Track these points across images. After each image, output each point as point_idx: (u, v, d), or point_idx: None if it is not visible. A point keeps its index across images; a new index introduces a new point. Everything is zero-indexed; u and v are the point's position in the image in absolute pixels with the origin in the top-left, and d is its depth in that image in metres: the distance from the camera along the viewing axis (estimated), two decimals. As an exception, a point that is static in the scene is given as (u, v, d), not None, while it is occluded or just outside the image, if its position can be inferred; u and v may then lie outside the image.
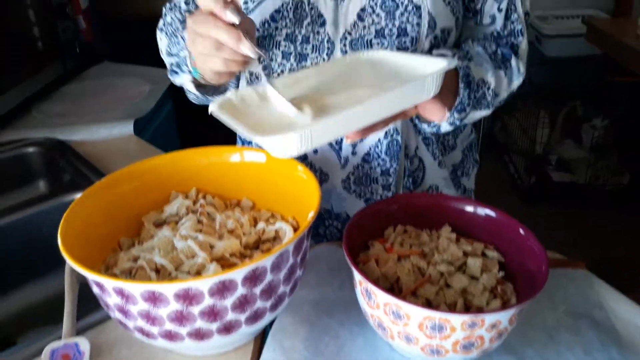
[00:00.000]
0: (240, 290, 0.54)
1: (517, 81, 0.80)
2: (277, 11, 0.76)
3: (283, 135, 0.50)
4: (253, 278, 0.55)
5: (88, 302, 0.72)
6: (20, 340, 0.94)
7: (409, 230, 0.72)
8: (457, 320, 0.53)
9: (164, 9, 0.90)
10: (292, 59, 0.78)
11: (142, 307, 0.54)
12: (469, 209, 0.72)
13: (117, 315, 0.57)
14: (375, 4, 0.73)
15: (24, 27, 1.34)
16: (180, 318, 0.54)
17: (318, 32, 0.77)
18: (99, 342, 0.67)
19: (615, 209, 2.51)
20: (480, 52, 0.76)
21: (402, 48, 0.74)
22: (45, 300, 1.06)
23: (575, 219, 2.49)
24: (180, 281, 0.51)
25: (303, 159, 0.84)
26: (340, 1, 0.75)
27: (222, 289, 0.53)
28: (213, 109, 0.57)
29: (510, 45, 0.81)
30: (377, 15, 0.74)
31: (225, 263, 0.63)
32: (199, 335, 0.56)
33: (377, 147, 0.80)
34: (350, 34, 0.75)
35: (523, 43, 0.81)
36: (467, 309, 0.61)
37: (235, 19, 0.58)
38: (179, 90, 0.86)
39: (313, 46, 0.77)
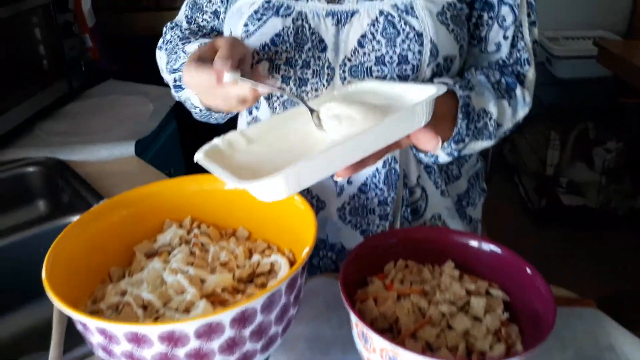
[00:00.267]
0: (229, 333, 0.52)
1: (522, 111, 0.77)
2: (278, 35, 0.74)
3: (268, 180, 0.48)
4: (242, 320, 0.52)
5: (77, 333, 0.69)
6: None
7: (410, 265, 0.69)
8: (458, 369, 0.50)
9: (164, 28, 0.89)
10: (291, 84, 0.76)
11: (126, 347, 0.51)
12: (473, 244, 0.69)
13: (100, 353, 0.55)
14: (376, 31, 0.72)
15: (29, 45, 1.34)
16: (165, 360, 0.51)
17: (319, 58, 0.75)
18: (84, 378, 0.64)
19: (628, 233, 2.45)
20: (482, 81, 0.74)
21: (402, 76, 0.72)
22: (43, 323, 1.04)
23: (586, 242, 2.44)
24: (164, 323, 0.49)
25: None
26: (342, 26, 0.73)
27: (209, 331, 0.50)
28: (198, 157, 0.56)
29: (516, 75, 0.78)
30: (378, 42, 0.72)
31: (216, 299, 0.60)
32: (185, 378, 0.53)
33: (375, 176, 0.77)
34: (350, 60, 0.73)
35: (530, 72, 0.78)
36: (469, 352, 0.57)
37: (230, 80, 0.59)
38: (183, 110, 0.85)
39: (313, 71, 0.75)
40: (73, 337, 0.69)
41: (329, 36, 0.74)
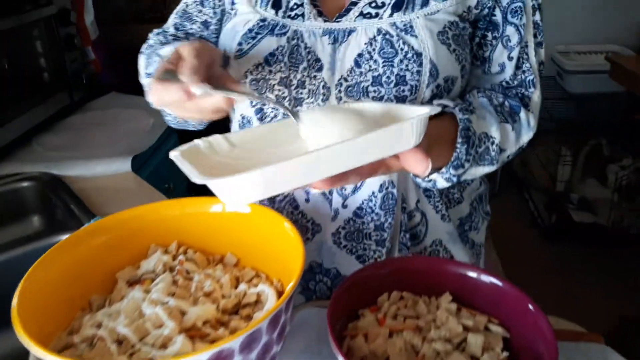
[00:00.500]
0: (204, 374, 0.48)
1: (526, 136, 0.73)
2: (272, 54, 0.72)
3: (230, 178, 0.44)
4: (219, 360, 0.48)
5: None
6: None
7: (405, 297, 0.65)
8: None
9: (150, 34, 0.87)
10: (286, 104, 0.73)
11: (94, 388, 0.48)
12: (472, 275, 0.65)
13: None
14: (374, 50, 0.68)
15: (30, 58, 1.33)
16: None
17: (314, 77, 0.72)
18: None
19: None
20: (484, 104, 0.71)
21: (400, 97, 0.68)
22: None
23: (597, 260, 2.38)
24: (133, 364, 0.45)
25: (295, 207, 0.78)
26: (338, 45, 0.70)
27: (183, 372, 0.47)
28: (174, 155, 0.53)
29: (521, 97, 0.75)
30: (375, 61, 0.69)
31: (196, 333, 0.57)
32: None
33: (371, 200, 0.74)
34: (346, 80, 0.70)
35: (535, 95, 0.74)
36: (465, 396, 0.54)
37: (200, 93, 0.55)
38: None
39: (309, 91, 0.72)
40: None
41: (325, 55, 0.71)
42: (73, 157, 1.23)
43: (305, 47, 0.71)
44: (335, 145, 0.48)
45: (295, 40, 0.71)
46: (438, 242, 0.81)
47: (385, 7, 0.69)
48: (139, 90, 1.61)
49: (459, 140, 0.64)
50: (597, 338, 0.70)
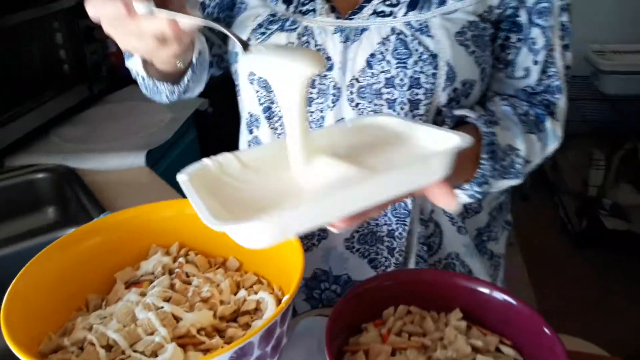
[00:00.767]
0: (190, 388, 0.46)
1: (552, 146, 0.69)
2: None
3: (247, 224, 0.40)
4: (206, 375, 0.46)
5: None
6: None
7: (413, 311, 0.62)
8: None
9: None
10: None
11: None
12: (484, 291, 0.61)
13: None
14: (386, 50, 0.65)
15: (50, 49, 1.33)
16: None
17: (324, 77, 0.68)
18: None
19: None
20: (507, 113, 0.66)
21: (414, 100, 0.64)
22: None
23: (628, 268, 2.29)
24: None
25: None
26: (350, 44, 0.67)
27: (167, 386, 0.45)
28: (183, 179, 0.48)
29: (546, 104, 0.70)
30: (388, 62, 0.65)
31: (189, 341, 0.55)
32: None
33: None
34: (358, 80, 0.67)
35: (561, 101, 0.69)
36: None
37: (143, 11, 0.48)
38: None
39: (319, 90, 0.69)
40: None
41: (336, 54, 0.67)
42: (89, 150, 1.23)
43: (316, 45, 0.68)
44: (358, 185, 0.44)
45: (305, 37, 0.68)
46: (454, 255, 0.77)
47: (399, 6, 0.65)
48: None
49: (484, 155, 0.60)
50: (620, 362, 0.66)
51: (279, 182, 0.50)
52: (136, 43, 0.52)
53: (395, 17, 0.65)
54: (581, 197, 2.50)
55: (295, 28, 0.69)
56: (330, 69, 0.68)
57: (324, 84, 0.69)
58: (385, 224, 0.72)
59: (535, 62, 0.68)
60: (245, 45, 0.51)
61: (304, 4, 0.69)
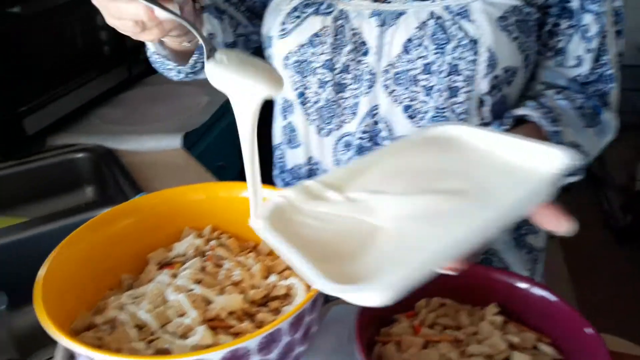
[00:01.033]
0: (219, 372, 0.46)
1: (608, 137, 0.66)
2: (316, 35, 0.67)
3: (367, 290, 0.35)
4: (235, 359, 0.46)
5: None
6: (36, 358, 0.92)
7: (447, 304, 0.60)
8: None
9: None
10: (328, 89, 0.68)
11: (108, 375, 0.46)
12: (523, 286, 0.58)
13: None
14: (424, 35, 0.62)
15: (90, 31, 1.34)
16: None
17: (359, 62, 0.67)
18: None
19: None
20: (564, 107, 0.63)
21: (452, 87, 0.62)
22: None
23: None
24: (146, 358, 0.43)
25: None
26: (386, 28, 0.64)
27: (196, 369, 0.44)
28: (258, 225, 0.43)
29: (600, 95, 0.66)
30: (425, 47, 0.62)
31: (219, 324, 0.54)
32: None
33: None
34: (394, 66, 0.64)
35: (614, 91, 0.66)
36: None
37: None
38: None
39: (354, 76, 0.67)
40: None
41: (371, 38, 0.65)
42: (127, 131, 1.25)
43: (351, 29, 0.66)
44: (481, 221, 0.39)
45: (340, 21, 0.66)
46: (492, 251, 0.75)
47: None
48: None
49: None
50: (666, 366, 0.62)
51: (350, 215, 0.44)
52: (117, 22, 0.54)
53: (434, 0, 0.63)
54: (628, 192, 2.41)
55: (331, 11, 0.67)
56: (365, 54, 0.66)
57: (358, 69, 0.67)
58: None
59: (588, 51, 0.65)
60: (211, 51, 0.50)
61: None
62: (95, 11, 0.55)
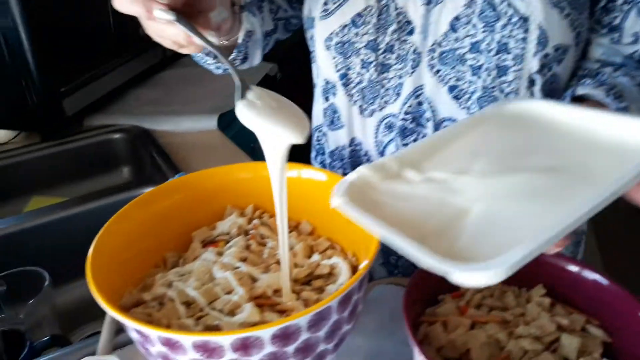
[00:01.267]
0: (269, 349, 0.46)
1: None
2: (359, 15, 0.66)
3: (484, 265, 0.34)
4: (285, 336, 0.46)
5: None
6: (79, 333, 0.94)
7: (492, 285, 0.59)
8: None
9: None
10: (372, 69, 0.67)
11: (160, 349, 0.47)
12: (572, 269, 0.57)
13: (140, 347, 0.52)
14: (472, 12, 0.61)
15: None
16: (198, 369, 0.47)
17: (404, 41, 0.65)
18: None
19: None
20: (627, 85, 0.61)
21: (501, 66, 0.61)
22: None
23: None
24: (197, 334, 0.44)
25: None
26: (433, 7, 0.63)
27: (247, 345, 0.45)
28: (337, 202, 0.42)
29: None
30: (474, 26, 0.61)
31: (265, 302, 0.55)
32: (220, 389, 0.48)
33: None
34: (440, 45, 0.63)
35: None
36: (554, 404, 0.48)
37: (161, 17, 0.49)
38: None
39: (398, 56, 0.66)
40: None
41: (417, 17, 0.64)
42: (163, 112, 1.26)
43: (396, 8, 0.65)
44: (582, 202, 0.37)
45: (385, 0, 0.65)
46: None
47: None
48: (230, 48, 1.62)
49: None
50: None
51: (433, 195, 0.43)
52: (158, 39, 0.56)
53: None
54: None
55: None
56: (410, 33, 0.65)
57: (403, 49, 0.66)
58: None
59: None
60: (245, 89, 0.51)
61: None
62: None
